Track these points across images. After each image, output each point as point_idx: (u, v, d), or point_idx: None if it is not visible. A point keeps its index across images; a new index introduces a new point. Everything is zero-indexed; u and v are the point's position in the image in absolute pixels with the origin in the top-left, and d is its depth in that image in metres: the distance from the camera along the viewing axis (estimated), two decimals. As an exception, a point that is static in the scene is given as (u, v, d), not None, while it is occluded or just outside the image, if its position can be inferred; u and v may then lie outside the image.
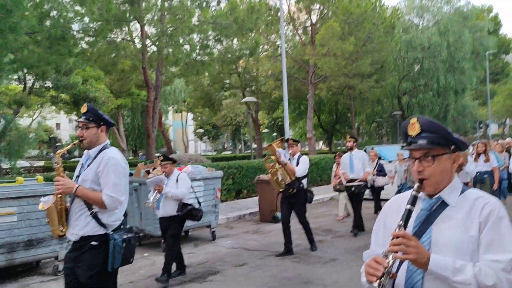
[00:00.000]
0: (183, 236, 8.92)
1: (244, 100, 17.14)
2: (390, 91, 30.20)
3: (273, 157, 7.42)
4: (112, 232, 3.25)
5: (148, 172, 8.84)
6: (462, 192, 1.83)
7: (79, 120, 3.43)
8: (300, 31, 24.17)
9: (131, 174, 9.58)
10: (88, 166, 3.36)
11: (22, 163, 28.63)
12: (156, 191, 6.17)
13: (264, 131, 45.81)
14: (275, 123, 46.39)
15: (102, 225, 3.25)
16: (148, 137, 14.92)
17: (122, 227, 3.37)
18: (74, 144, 3.50)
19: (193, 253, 8.04)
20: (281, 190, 7.38)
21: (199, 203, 6.93)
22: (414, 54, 29.14)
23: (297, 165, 7.37)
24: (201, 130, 62.62)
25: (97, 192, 3.27)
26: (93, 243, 3.20)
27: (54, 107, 39.55)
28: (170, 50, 13.16)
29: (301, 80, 24.07)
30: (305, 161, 7.46)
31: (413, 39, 28.80)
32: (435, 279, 1.68)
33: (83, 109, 3.41)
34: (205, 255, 7.77)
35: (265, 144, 32.75)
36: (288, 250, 7.39)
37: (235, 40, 16.26)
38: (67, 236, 3.40)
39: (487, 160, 8.84)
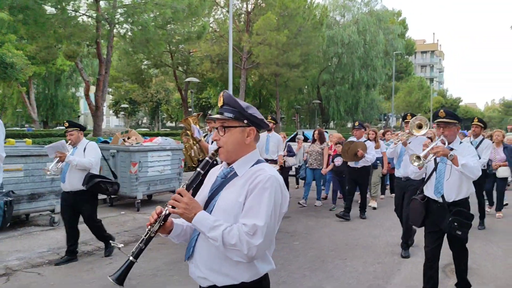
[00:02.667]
0: (146, 200, 10.18)
1: (187, 79, 18.20)
2: (311, 81, 32.84)
3: (189, 132, 7.42)
4: None
5: (124, 141, 9.93)
6: (255, 164, 2.02)
7: None
8: (235, 18, 25.49)
9: (106, 142, 10.56)
10: None
11: None
12: (57, 159, 5.41)
13: (189, 110, 46.64)
14: (199, 103, 47.38)
15: None
16: (97, 109, 15.52)
17: (1, 190, 3.36)
18: None
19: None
20: (194, 165, 7.49)
21: (114, 176, 6.44)
22: (335, 49, 32.01)
23: (212, 142, 7.16)
24: (124, 106, 61.16)
25: None
26: None
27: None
28: (128, 27, 13.92)
29: (235, 64, 25.55)
30: None
31: (335, 35, 31.61)
32: (205, 238, 1.90)
33: None
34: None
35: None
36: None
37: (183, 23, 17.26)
38: None
39: (377, 147, 9.97)
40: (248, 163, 2.03)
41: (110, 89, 58.55)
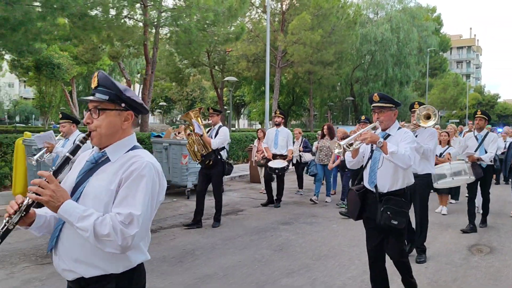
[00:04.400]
0: (192, 189, 11.10)
1: (226, 78, 19.16)
2: (345, 78, 33.28)
3: (191, 127, 7.24)
4: None
5: (175, 135, 10.94)
6: (130, 150, 1.91)
7: None
8: (270, 18, 26.30)
9: (159, 136, 11.61)
10: None
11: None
12: (45, 149, 5.53)
13: (224, 107, 47.79)
14: (232, 101, 48.44)
15: None
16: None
17: None
18: None
19: (211, 200, 10.25)
20: (197, 160, 7.28)
21: None
22: (368, 46, 32.33)
23: (215, 136, 7.19)
24: (161, 104, 62.86)
25: None
26: None
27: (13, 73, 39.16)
28: (175, 29, 14.96)
29: (270, 63, 26.36)
30: (224, 132, 7.22)
31: (368, 33, 31.94)
32: (71, 227, 1.75)
33: None
34: (223, 201, 9.99)
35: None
36: (197, 221, 7.29)
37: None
38: None
39: None
40: (123, 148, 1.91)
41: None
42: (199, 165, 10.48)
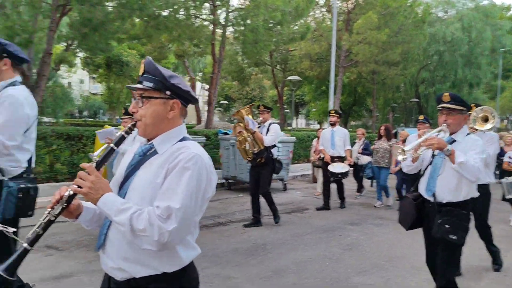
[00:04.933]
0: None
1: (289, 78, 19.31)
2: (410, 79, 32.27)
3: (241, 124, 7.03)
4: (8, 179, 2.93)
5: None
6: (179, 142, 1.79)
7: None
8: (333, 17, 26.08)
9: (226, 133, 11.95)
10: None
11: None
12: (106, 144, 6.22)
13: (284, 106, 48.00)
14: (292, 100, 48.51)
15: None
16: (210, 104, 17.16)
17: (24, 176, 3.07)
18: None
19: (275, 197, 10.39)
20: (248, 159, 7.08)
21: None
22: (436, 46, 31.11)
23: (267, 133, 7.06)
24: (221, 102, 63.94)
25: None
26: None
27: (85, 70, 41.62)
28: (241, 28, 15.28)
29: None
30: (275, 129, 7.09)
31: (436, 32, 30.72)
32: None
33: None
34: (287, 199, 10.13)
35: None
36: (256, 220, 7.23)
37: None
38: None
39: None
40: (171, 140, 1.78)
41: (207, 86, 62.21)
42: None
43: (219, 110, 71.25)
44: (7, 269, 1.61)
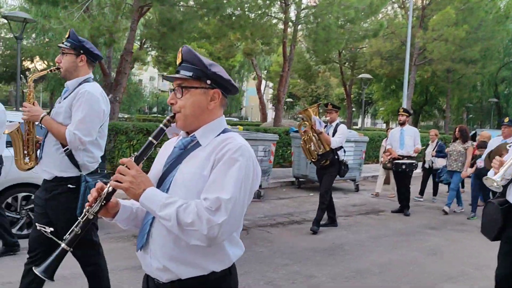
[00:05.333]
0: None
1: (360, 76, 18.93)
2: (488, 78, 30.44)
3: (307, 123, 6.76)
4: (85, 175, 2.97)
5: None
6: (221, 133, 1.69)
7: (59, 45, 3.10)
8: (408, 13, 25.18)
9: (297, 132, 11.97)
10: (64, 99, 3.03)
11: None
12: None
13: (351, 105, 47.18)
14: (359, 98, 47.54)
15: (77, 165, 2.95)
16: (279, 102, 17.25)
17: (99, 171, 3.12)
18: (51, 70, 3.19)
19: (347, 197, 10.27)
20: (313, 160, 6.82)
21: None
22: (520, 43, 29.10)
23: (334, 134, 6.76)
24: (287, 100, 63.93)
25: (62, 126, 2.93)
26: (70, 186, 2.94)
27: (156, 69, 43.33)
28: (312, 26, 15.18)
29: (404, 60, 25.27)
30: (343, 130, 6.78)
31: (520, 28, 28.70)
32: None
33: (67, 35, 3.07)
34: (360, 200, 9.94)
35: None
36: (332, 220, 7.10)
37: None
38: (37, 172, 3.13)
39: None
40: (213, 132, 1.69)
41: (271, 84, 62.46)
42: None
43: (275, 107, 71.24)
44: (45, 271, 1.56)
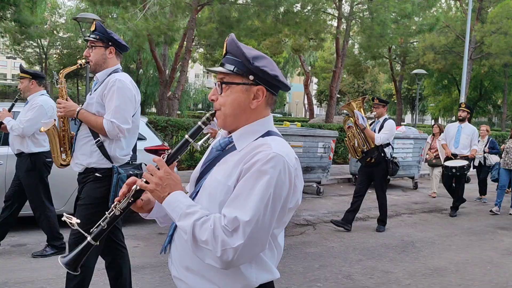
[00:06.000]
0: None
1: (415, 71, 18.53)
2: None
3: (352, 119, 6.38)
4: (117, 166, 2.95)
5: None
6: (262, 137, 1.48)
7: (86, 38, 3.09)
8: (464, 6, 24.31)
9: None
10: (95, 90, 3.02)
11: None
12: (209, 134, 5.09)
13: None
14: (408, 94, 46.41)
15: (108, 157, 2.94)
16: (331, 98, 17.21)
17: (131, 162, 3.10)
18: (80, 65, 3.11)
19: (407, 195, 10.14)
20: (357, 157, 6.44)
21: None
22: None
23: (380, 130, 6.30)
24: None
25: (99, 117, 2.91)
26: (98, 174, 2.93)
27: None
28: (368, 21, 15.01)
29: (459, 54, 24.45)
30: (390, 126, 6.28)
31: None
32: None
33: (92, 27, 3.04)
34: (421, 198, 9.79)
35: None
36: (347, 221, 6.50)
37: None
38: (71, 167, 3.12)
39: None
40: (252, 135, 1.48)
41: (315, 80, 62.07)
42: (401, 159, 10.54)
43: (327, 103, 70.61)
44: (70, 263, 1.52)
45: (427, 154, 10.78)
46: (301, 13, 13.47)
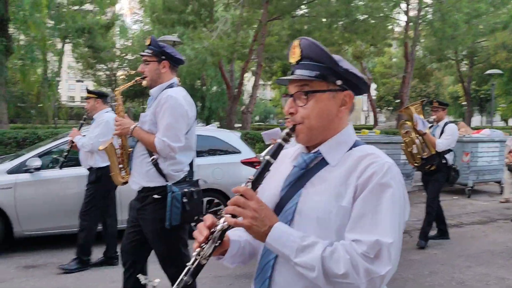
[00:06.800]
0: (472, 187, 10.61)
1: (488, 72, 17.83)
2: None
3: (409, 123, 6.01)
4: (171, 185, 2.85)
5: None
6: (353, 147, 1.36)
7: (141, 53, 3.03)
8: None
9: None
10: (149, 107, 2.97)
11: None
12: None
13: (463, 103, 44.33)
14: (476, 96, 44.42)
15: (163, 175, 2.87)
16: (402, 104, 16.89)
17: (187, 179, 2.98)
18: (136, 81, 3.06)
19: (494, 200, 9.77)
20: (416, 164, 6.03)
21: None
22: None
23: (440, 135, 5.93)
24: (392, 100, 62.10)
25: (152, 135, 2.85)
26: (156, 196, 2.85)
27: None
28: (438, 23, 14.71)
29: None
30: (452, 131, 5.92)
31: None
32: (287, 262, 1.24)
33: (147, 41, 3.00)
34: (509, 204, 9.39)
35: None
36: (441, 233, 6.30)
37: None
38: (130, 184, 3.07)
39: None
40: (343, 146, 1.34)
41: (375, 85, 60.76)
42: (481, 164, 10.23)
43: (388, 109, 68.86)
44: None
45: (506, 157, 9.98)
46: (369, 21, 13.47)
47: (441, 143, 5.78)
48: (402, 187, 1.25)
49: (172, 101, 2.80)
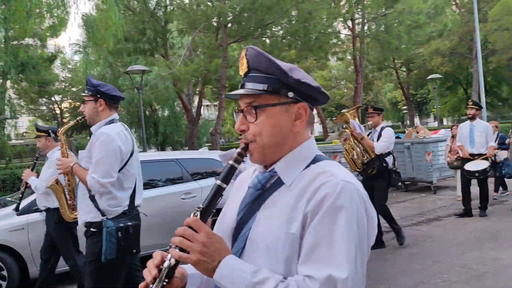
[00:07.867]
0: (436, 185, 11.43)
1: (430, 77, 19.30)
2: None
3: (348, 131, 6.04)
4: (107, 219, 2.87)
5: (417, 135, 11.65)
6: (312, 164, 1.21)
7: (81, 94, 3.12)
8: (462, 10, 25.38)
9: (398, 137, 12.54)
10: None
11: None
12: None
13: (402, 107, 47.03)
14: (413, 100, 47.24)
15: (100, 210, 2.90)
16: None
17: (127, 213, 2.99)
18: (77, 121, 3.18)
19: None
20: (357, 170, 6.07)
21: None
22: None
23: (378, 138, 6.03)
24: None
25: (86, 172, 2.91)
26: (92, 229, 2.92)
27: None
28: (384, 36, 15.84)
29: (464, 55, 25.34)
30: (389, 134, 6.04)
31: None
32: None
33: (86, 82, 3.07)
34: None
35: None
36: (396, 230, 6.26)
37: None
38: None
39: None
40: (300, 163, 1.21)
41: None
42: (442, 161, 11.07)
43: (331, 120, 71.35)
44: None
45: (447, 157, 10.34)
46: (322, 38, 14.33)
47: (379, 146, 5.92)
48: (360, 207, 1.11)
49: (103, 137, 2.86)
